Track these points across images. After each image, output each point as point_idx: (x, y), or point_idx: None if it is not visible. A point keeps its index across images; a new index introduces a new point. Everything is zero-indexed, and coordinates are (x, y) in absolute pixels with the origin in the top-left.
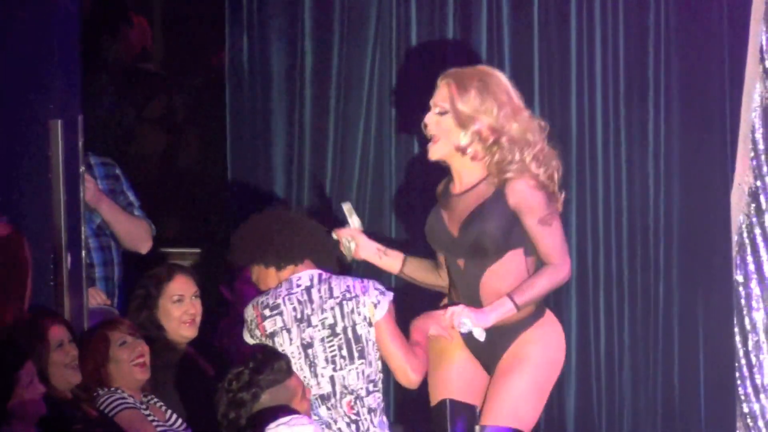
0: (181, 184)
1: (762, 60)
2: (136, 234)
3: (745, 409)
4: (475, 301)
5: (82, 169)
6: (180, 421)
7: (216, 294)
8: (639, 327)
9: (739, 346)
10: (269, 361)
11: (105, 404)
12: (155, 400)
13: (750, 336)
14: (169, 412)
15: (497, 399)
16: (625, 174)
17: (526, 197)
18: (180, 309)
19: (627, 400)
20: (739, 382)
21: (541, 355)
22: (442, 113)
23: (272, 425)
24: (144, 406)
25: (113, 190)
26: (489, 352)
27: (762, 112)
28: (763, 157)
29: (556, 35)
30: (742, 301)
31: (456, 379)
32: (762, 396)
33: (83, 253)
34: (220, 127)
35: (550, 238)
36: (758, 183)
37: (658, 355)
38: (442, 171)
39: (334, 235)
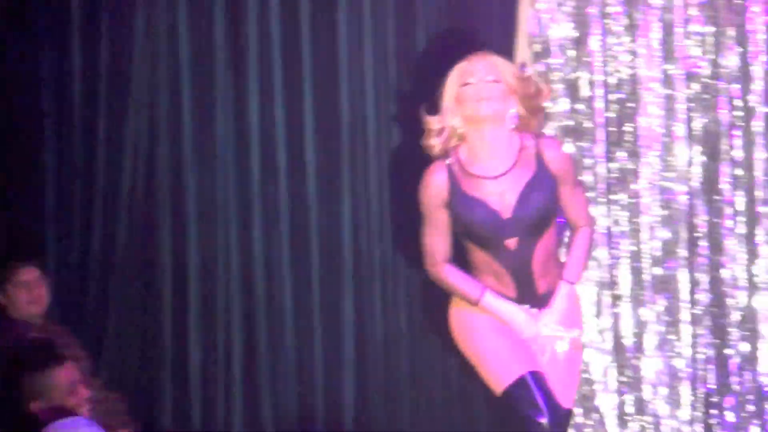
0: None
1: (532, 44)
2: None
3: None
4: (526, 280)
5: None
6: None
7: None
8: (416, 315)
9: None
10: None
11: None
12: None
13: None
14: None
15: (567, 383)
16: (397, 162)
17: (564, 164)
18: None
19: (405, 387)
20: None
21: (577, 343)
22: (495, 81)
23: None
24: None
25: None
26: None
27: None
28: None
29: (325, 27)
30: None
31: (524, 349)
32: None
33: None
34: None
35: (579, 200)
36: None
37: (434, 332)
38: None
39: None
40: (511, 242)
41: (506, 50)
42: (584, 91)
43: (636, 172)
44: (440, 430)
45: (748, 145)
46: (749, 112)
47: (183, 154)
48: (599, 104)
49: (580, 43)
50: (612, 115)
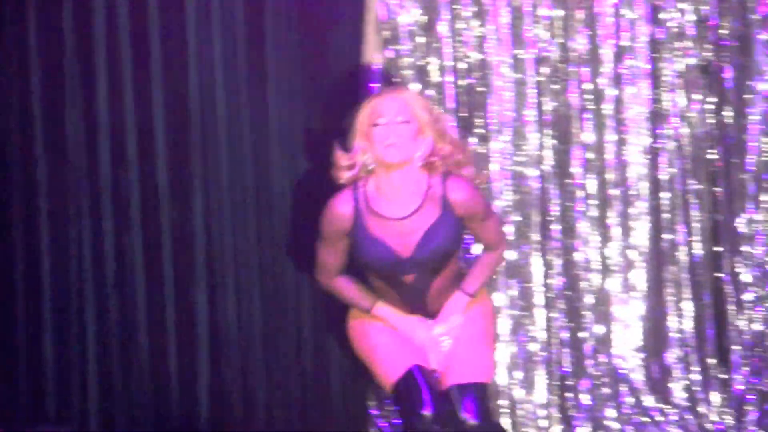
0: None
1: (380, 31)
2: None
3: None
4: (418, 305)
5: None
6: None
7: None
8: (270, 302)
9: None
10: None
11: None
12: None
13: None
14: None
15: (458, 363)
16: (250, 152)
17: (470, 204)
18: None
19: (261, 376)
20: None
21: (484, 305)
22: (404, 122)
23: None
24: None
25: None
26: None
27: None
28: None
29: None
30: None
31: (411, 346)
32: None
33: None
34: None
35: (490, 228)
36: None
37: (289, 329)
38: None
39: None
40: (409, 277)
41: (355, 37)
42: (434, 77)
43: (487, 157)
44: (296, 428)
45: (599, 128)
46: (599, 95)
47: (34, 147)
48: (449, 90)
49: (429, 28)
50: (463, 100)
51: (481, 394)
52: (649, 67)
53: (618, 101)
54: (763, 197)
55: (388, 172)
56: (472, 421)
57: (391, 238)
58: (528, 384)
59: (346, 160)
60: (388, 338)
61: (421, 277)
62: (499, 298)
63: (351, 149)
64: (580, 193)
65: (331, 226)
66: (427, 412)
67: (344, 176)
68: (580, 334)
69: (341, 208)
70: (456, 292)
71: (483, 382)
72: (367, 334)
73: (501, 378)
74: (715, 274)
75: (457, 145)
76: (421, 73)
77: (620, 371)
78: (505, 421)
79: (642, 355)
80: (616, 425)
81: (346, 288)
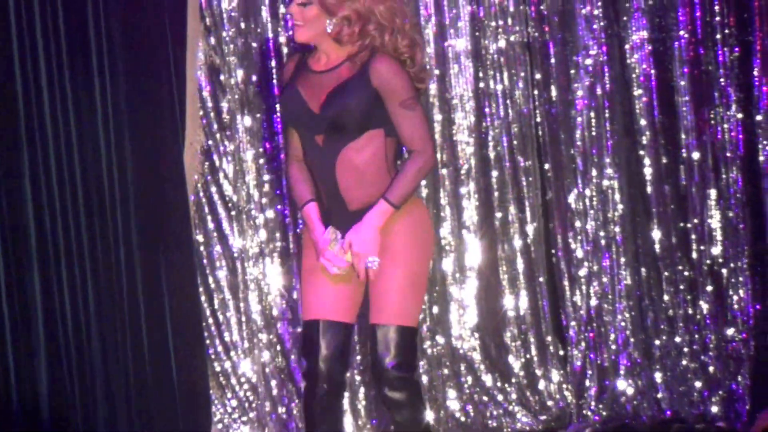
0: None
1: (203, 18)
2: None
3: (218, 368)
4: (330, 180)
5: None
6: None
7: None
8: (104, 296)
9: (205, 305)
10: None
11: None
12: None
13: (215, 295)
14: None
15: (382, 299)
16: (76, 142)
17: (390, 79)
18: None
19: (98, 371)
20: (208, 341)
21: (411, 244)
22: (305, 4)
23: None
24: None
25: None
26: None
27: (207, 69)
28: (212, 115)
29: None
30: (205, 261)
31: (330, 296)
32: (232, 353)
33: None
34: None
35: (411, 122)
36: (210, 141)
37: (125, 323)
38: None
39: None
40: (320, 138)
41: (178, 24)
42: (258, 63)
43: None
44: (139, 422)
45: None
46: None
47: None
48: (274, 75)
49: (250, 14)
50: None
51: (405, 338)
52: (470, 46)
53: (442, 80)
54: (592, 172)
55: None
56: (388, 367)
57: (306, 90)
58: (365, 366)
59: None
60: (314, 278)
61: (330, 141)
62: None
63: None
64: None
65: (280, 83)
66: (303, 365)
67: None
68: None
69: (288, 63)
70: (379, 200)
71: (407, 326)
72: (304, 268)
73: None
74: (549, 251)
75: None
76: (246, 59)
77: (459, 351)
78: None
79: (479, 335)
80: (456, 405)
81: (295, 177)
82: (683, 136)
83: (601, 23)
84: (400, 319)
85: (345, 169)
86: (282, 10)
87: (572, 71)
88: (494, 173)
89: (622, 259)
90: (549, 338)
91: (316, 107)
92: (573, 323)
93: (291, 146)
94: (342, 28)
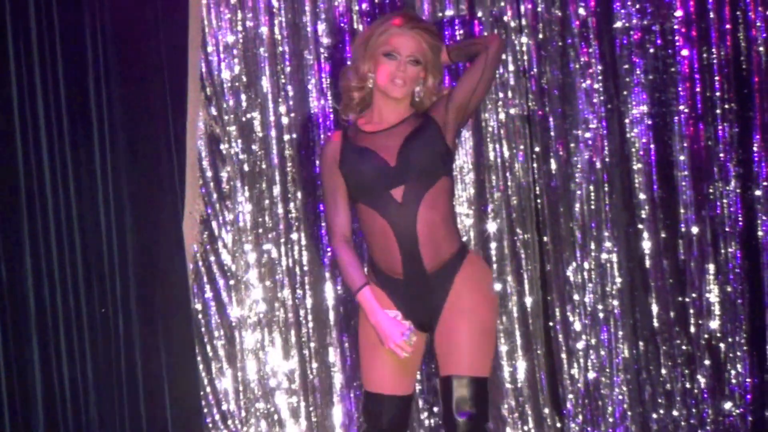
0: None
1: (203, 87)
2: None
3: None
4: (410, 236)
5: None
6: None
7: None
8: (102, 365)
9: (203, 374)
10: None
11: None
12: None
13: (213, 364)
14: None
15: (457, 353)
16: (76, 213)
17: (440, 101)
18: None
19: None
20: (206, 410)
21: (482, 301)
22: (417, 61)
23: None
24: None
25: None
26: (427, 308)
27: (207, 139)
28: (211, 185)
29: None
30: (203, 330)
31: (392, 373)
32: (229, 422)
33: None
34: None
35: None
36: (209, 210)
37: (123, 390)
38: None
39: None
40: (398, 192)
41: (178, 94)
42: (259, 132)
43: (317, 211)
44: None
45: None
46: None
47: None
48: (275, 145)
49: (251, 84)
50: (288, 154)
51: (479, 390)
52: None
53: None
54: (591, 245)
55: (383, 98)
56: (461, 419)
57: (377, 146)
58: None
59: (357, 81)
60: (376, 353)
61: (410, 192)
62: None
63: (359, 71)
64: None
65: (325, 159)
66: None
67: (355, 96)
68: None
69: (332, 139)
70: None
71: (481, 377)
72: (364, 342)
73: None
74: (547, 323)
75: (441, 83)
76: (246, 129)
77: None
78: None
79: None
80: None
81: (347, 260)
82: (682, 211)
83: (601, 97)
84: (480, 371)
85: (424, 223)
86: (281, 79)
87: (572, 145)
88: (493, 245)
89: (620, 333)
90: (546, 411)
91: (392, 161)
92: (570, 396)
93: (337, 224)
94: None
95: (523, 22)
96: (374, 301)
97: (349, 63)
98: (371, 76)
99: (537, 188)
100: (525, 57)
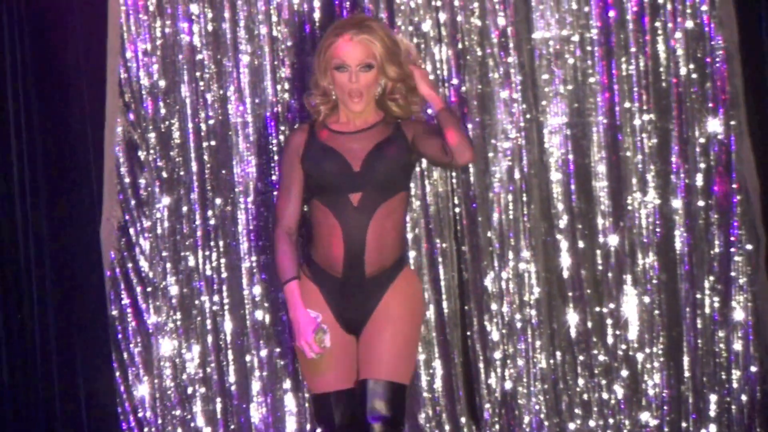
0: None
1: (122, 93)
2: None
3: None
4: (358, 241)
5: None
6: None
7: None
8: (18, 371)
9: (119, 381)
10: None
11: None
12: None
13: (129, 371)
14: None
15: (377, 357)
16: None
17: (419, 120)
18: None
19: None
20: (122, 417)
21: (409, 314)
22: (368, 67)
23: None
24: None
25: None
26: (359, 311)
27: (125, 145)
28: (129, 191)
29: None
30: (120, 336)
31: (332, 369)
32: (146, 430)
33: None
34: None
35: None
36: (127, 217)
37: (39, 398)
38: None
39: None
40: (356, 197)
41: (97, 99)
42: (177, 139)
43: (234, 218)
44: None
45: None
46: None
47: None
48: (193, 152)
49: (169, 91)
50: (207, 161)
51: (395, 395)
52: None
53: None
54: (509, 255)
55: (349, 107)
56: (374, 423)
57: (343, 149)
58: None
59: (320, 98)
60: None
61: (366, 200)
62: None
63: (320, 87)
64: None
65: (288, 150)
66: None
67: (323, 110)
68: None
69: (298, 129)
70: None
71: (398, 383)
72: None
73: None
74: (465, 332)
75: (407, 71)
76: (164, 136)
77: None
78: None
79: None
80: None
81: (283, 250)
82: (600, 221)
83: (521, 107)
84: (399, 377)
85: (375, 231)
86: (200, 86)
87: (491, 154)
88: (411, 253)
89: (538, 342)
90: (463, 420)
91: (357, 165)
92: (487, 405)
93: (285, 215)
94: (382, 88)
95: (443, 31)
96: (298, 297)
97: (310, 79)
98: (332, 88)
99: (455, 197)
100: (444, 66)
